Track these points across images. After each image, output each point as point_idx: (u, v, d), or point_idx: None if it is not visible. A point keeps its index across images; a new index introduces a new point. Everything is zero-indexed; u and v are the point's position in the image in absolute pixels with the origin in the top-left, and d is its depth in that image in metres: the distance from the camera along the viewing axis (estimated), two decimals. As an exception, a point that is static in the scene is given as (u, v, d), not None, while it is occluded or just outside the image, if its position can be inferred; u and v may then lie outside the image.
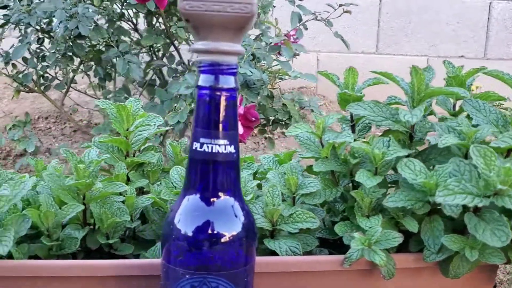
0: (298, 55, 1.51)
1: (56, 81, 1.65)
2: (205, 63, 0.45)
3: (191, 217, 0.45)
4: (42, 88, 1.59)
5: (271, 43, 1.37)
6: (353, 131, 0.67)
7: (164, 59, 1.63)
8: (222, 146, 0.45)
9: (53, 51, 1.42)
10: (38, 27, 1.46)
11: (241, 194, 0.47)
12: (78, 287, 0.53)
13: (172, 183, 0.68)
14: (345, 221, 0.59)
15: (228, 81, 0.45)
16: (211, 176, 0.45)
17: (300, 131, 0.60)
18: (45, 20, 1.45)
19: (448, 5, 2.76)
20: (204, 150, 0.45)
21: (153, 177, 0.73)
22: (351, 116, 0.67)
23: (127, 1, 1.44)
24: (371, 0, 2.74)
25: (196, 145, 0.45)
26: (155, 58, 1.63)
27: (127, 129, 0.73)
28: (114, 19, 1.47)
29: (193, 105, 1.34)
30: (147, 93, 1.65)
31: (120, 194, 0.66)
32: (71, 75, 1.57)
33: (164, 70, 1.67)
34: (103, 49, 1.52)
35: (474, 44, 2.77)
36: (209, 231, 0.45)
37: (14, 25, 1.52)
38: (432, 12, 2.78)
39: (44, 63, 1.55)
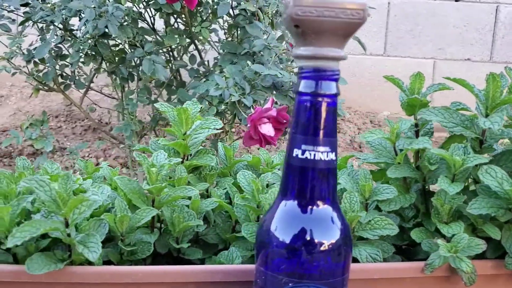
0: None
1: (66, 80, 1.63)
2: (308, 69, 0.44)
3: (293, 224, 0.45)
4: (61, 87, 1.58)
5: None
6: (417, 136, 0.67)
7: (184, 60, 1.62)
8: (324, 153, 0.44)
9: (76, 49, 1.40)
10: (60, 26, 1.44)
11: (338, 201, 0.47)
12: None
13: (234, 186, 0.67)
14: (419, 228, 0.59)
15: (330, 87, 0.44)
16: (311, 184, 0.45)
17: (376, 136, 0.59)
18: (65, 18, 1.43)
19: (455, 8, 2.79)
20: (306, 157, 0.44)
21: (210, 180, 0.73)
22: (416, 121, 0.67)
23: (151, 1, 1.43)
24: (380, 3, 2.75)
25: (297, 152, 0.45)
26: (172, 59, 1.62)
27: (185, 133, 0.72)
28: (138, 19, 1.46)
29: (222, 106, 1.33)
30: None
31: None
32: (91, 74, 1.55)
33: (181, 70, 1.66)
34: (125, 49, 1.51)
35: (481, 47, 2.79)
36: (314, 239, 0.44)
37: (33, 23, 1.50)
38: (440, 15, 2.80)
39: (63, 62, 1.54)
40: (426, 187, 0.62)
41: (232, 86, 1.27)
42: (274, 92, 1.32)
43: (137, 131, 1.60)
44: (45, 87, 1.57)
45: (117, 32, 1.27)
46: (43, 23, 1.50)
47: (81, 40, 1.40)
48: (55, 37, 1.41)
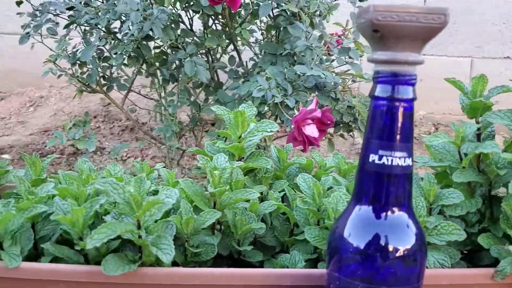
0: (361, 56, 1.50)
1: (109, 82, 1.66)
2: (385, 74, 0.44)
3: (368, 230, 0.45)
4: (104, 88, 1.61)
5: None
6: (478, 140, 0.66)
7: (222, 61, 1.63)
8: (401, 159, 0.44)
9: (119, 52, 1.43)
10: (104, 29, 1.47)
11: (412, 207, 0.47)
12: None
13: (291, 189, 0.68)
14: (487, 233, 0.58)
15: (408, 92, 0.44)
16: (387, 189, 0.45)
17: (441, 140, 0.59)
18: (110, 21, 1.46)
19: (493, 5, 2.72)
20: (383, 162, 0.44)
21: (265, 183, 0.73)
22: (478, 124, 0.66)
23: (192, 3, 1.44)
24: (416, 0, 2.71)
25: (374, 157, 0.44)
26: (210, 60, 1.64)
27: (240, 136, 0.73)
28: (179, 21, 1.47)
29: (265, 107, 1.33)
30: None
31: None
32: (133, 75, 1.57)
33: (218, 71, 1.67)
34: (167, 51, 1.53)
35: (521, 45, 2.72)
36: (389, 245, 0.44)
37: (75, 26, 1.54)
38: (477, 12, 2.74)
39: (105, 64, 1.57)
40: (492, 191, 0.61)
41: (274, 87, 1.27)
42: (316, 93, 1.31)
43: (177, 132, 1.61)
44: (88, 89, 1.60)
45: (161, 35, 1.29)
46: (86, 26, 1.54)
47: (124, 42, 1.43)
48: (99, 40, 1.44)
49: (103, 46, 1.50)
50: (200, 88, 1.65)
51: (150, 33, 1.34)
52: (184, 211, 0.58)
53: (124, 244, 0.56)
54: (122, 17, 1.41)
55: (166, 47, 1.48)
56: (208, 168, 0.61)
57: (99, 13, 1.41)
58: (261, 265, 0.64)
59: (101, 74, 1.60)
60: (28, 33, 1.69)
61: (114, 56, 1.54)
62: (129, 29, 1.36)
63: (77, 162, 0.70)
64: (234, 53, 1.63)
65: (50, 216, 0.59)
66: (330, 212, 0.57)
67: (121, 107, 1.68)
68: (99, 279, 0.51)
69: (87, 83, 1.58)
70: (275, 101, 1.22)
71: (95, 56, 1.53)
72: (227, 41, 1.56)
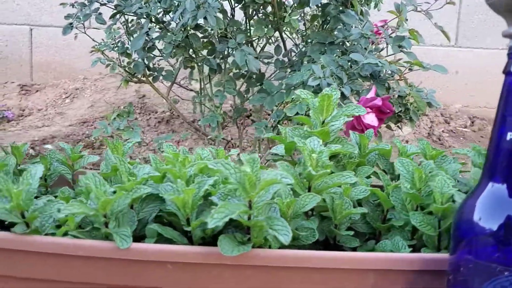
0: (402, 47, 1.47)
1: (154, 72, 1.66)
2: (524, 48, 0.42)
3: (505, 209, 0.43)
4: (150, 78, 1.60)
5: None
6: None
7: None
8: (541, 136, 0.42)
9: (168, 41, 1.42)
10: (153, 18, 1.47)
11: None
12: (336, 278, 0.52)
13: (384, 174, 0.66)
14: None
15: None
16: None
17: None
18: (159, 11, 1.46)
19: (532, -4, 2.65)
20: (521, 140, 0.42)
21: (350, 168, 0.72)
22: None
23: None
24: (452, -8, 2.65)
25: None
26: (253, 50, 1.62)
27: (323, 121, 0.71)
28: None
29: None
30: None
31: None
32: (180, 65, 1.56)
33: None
34: (212, 41, 1.52)
35: (560, 37, 2.66)
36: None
37: (119, 15, 1.53)
38: (516, 3, 2.67)
39: (149, 54, 1.56)
40: None
41: (329, 75, 1.25)
42: (372, 81, 1.29)
43: (221, 122, 1.61)
44: (134, 79, 1.60)
45: (215, 23, 1.28)
46: (133, 16, 1.53)
47: (173, 32, 1.43)
48: (148, 29, 1.43)
49: (150, 36, 1.50)
50: (241, 79, 1.64)
51: (202, 22, 1.34)
52: (284, 194, 0.57)
53: (226, 226, 0.55)
54: (172, 6, 1.40)
55: (215, 37, 1.48)
56: (306, 151, 0.60)
57: (149, 2, 1.41)
58: (353, 251, 0.63)
59: (147, 64, 1.60)
60: (71, 23, 1.70)
61: (161, 46, 1.54)
62: (180, 18, 1.36)
63: (163, 146, 0.70)
64: (274, 45, 1.61)
65: (147, 197, 0.58)
66: (437, 196, 0.56)
67: (166, 97, 1.67)
68: (210, 260, 0.50)
69: (133, 73, 1.58)
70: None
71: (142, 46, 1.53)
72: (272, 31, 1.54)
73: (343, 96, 1.28)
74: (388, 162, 0.78)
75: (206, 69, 1.64)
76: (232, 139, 1.90)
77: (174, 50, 1.45)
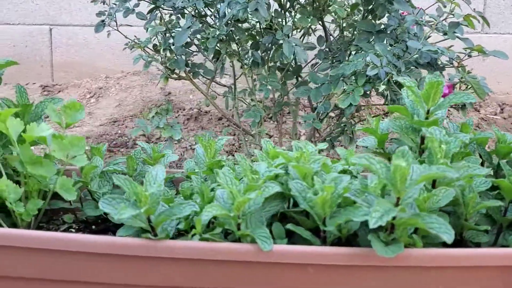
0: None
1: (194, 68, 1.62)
2: None
3: None
4: (190, 74, 1.57)
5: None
6: None
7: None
8: None
9: (213, 35, 1.39)
10: (195, 12, 1.43)
11: None
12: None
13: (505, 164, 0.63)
14: None
15: None
16: None
17: None
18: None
19: (561, -20, 2.61)
20: None
21: (458, 159, 0.68)
22: None
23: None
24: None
25: None
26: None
27: (428, 110, 0.68)
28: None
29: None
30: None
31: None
32: (223, 59, 1.52)
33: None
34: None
35: None
36: None
37: (159, 9, 1.49)
38: (543, -13, 2.63)
39: (188, 50, 1.52)
40: None
41: (386, 64, 1.22)
42: (429, 69, 1.25)
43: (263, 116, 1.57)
44: (173, 75, 1.56)
45: (266, 14, 1.24)
46: (171, 10, 1.49)
47: (216, 26, 1.39)
48: (191, 23, 1.39)
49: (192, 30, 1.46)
50: (283, 72, 1.61)
51: (249, 14, 1.30)
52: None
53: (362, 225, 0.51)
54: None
55: (260, 29, 1.44)
56: (435, 142, 0.56)
57: (191, -4, 1.37)
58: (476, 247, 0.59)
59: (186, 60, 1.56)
60: (103, 21, 1.66)
61: (201, 40, 1.50)
62: (227, 11, 1.32)
63: (259, 142, 0.66)
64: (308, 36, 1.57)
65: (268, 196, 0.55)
66: None
67: (206, 94, 1.64)
68: (355, 262, 0.47)
69: (173, 70, 1.54)
70: (393, 79, 1.17)
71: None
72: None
73: (400, 86, 1.25)
74: (486, 151, 0.75)
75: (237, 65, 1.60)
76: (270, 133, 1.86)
77: (218, 45, 1.41)
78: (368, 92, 1.32)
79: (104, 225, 0.78)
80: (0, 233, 0.58)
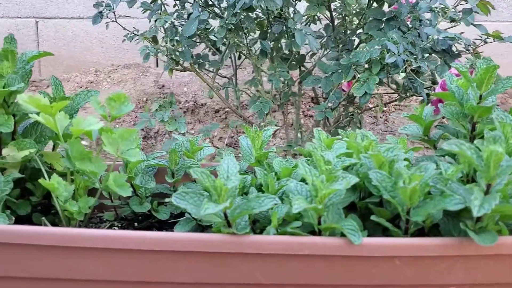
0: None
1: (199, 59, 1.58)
2: None
3: None
4: (196, 66, 1.53)
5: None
6: None
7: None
8: None
9: (221, 25, 1.35)
10: (201, 2, 1.39)
11: None
12: None
13: None
14: None
15: None
16: None
17: None
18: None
19: None
20: None
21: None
22: None
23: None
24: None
25: None
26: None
27: (481, 95, 0.67)
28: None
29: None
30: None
31: None
32: (233, 48, 1.49)
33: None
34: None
35: None
36: None
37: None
38: None
39: (193, 41, 1.49)
40: None
41: (402, 52, 1.21)
42: (444, 56, 1.25)
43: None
44: (179, 67, 1.53)
45: (281, 3, 1.21)
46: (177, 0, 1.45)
47: (222, 16, 1.36)
48: (200, 13, 1.36)
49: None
50: (287, 62, 1.58)
51: (262, 3, 1.27)
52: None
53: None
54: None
55: (269, 18, 1.41)
56: (508, 126, 0.55)
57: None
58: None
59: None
60: (101, 12, 1.61)
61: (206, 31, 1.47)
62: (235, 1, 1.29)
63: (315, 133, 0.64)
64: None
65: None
66: None
67: (212, 85, 1.60)
68: (448, 252, 0.46)
69: (178, 61, 1.51)
70: (412, 66, 1.16)
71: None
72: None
73: (418, 73, 1.24)
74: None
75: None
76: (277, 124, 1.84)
77: (226, 35, 1.38)
78: (382, 80, 1.31)
79: (148, 222, 0.75)
80: (101, 235, 0.53)
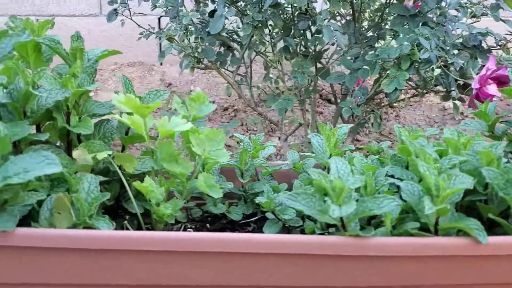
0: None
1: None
2: None
3: None
4: (217, 64, 1.51)
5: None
6: None
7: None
8: None
9: (247, 22, 1.34)
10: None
11: None
12: None
13: None
14: None
15: None
16: None
17: None
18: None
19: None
20: None
21: None
22: None
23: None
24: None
25: None
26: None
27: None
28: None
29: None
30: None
31: None
32: (253, 45, 1.48)
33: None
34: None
35: None
36: None
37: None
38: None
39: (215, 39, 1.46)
40: None
41: (434, 47, 1.21)
42: (475, 52, 1.26)
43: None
44: (201, 65, 1.51)
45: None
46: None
47: (247, 13, 1.34)
48: (226, 10, 1.34)
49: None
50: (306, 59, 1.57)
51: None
52: None
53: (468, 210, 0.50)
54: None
55: (292, 14, 1.40)
56: None
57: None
58: None
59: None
60: (116, 9, 1.58)
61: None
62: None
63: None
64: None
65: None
66: None
67: (233, 83, 1.58)
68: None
69: (199, 59, 1.48)
70: (448, 62, 1.16)
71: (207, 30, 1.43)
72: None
73: (448, 69, 1.25)
74: None
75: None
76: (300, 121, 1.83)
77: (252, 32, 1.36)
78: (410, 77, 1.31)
79: (220, 224, 0.74)
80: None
